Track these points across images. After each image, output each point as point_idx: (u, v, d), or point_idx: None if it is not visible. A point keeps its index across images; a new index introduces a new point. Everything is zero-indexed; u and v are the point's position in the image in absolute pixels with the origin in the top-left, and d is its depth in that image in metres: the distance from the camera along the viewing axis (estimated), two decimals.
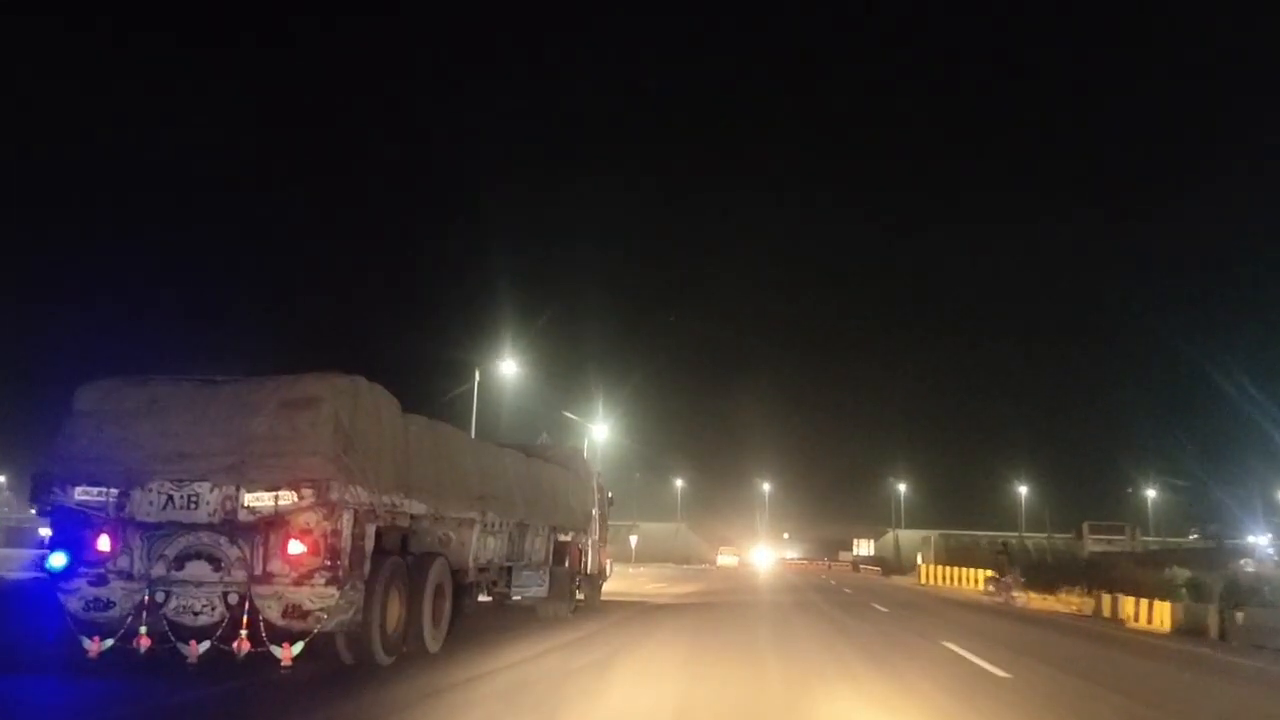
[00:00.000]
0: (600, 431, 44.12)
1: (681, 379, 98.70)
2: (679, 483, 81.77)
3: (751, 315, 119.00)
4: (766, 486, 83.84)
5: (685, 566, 57.93)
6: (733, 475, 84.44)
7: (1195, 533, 50.41)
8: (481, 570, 11.88)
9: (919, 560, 53.95)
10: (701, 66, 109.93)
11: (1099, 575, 28.01)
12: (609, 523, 20.18)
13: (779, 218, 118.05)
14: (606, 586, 20.02)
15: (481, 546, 11.68)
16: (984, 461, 78.95)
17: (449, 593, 10.59)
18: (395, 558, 9.52)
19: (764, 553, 72.65)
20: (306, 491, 8.15)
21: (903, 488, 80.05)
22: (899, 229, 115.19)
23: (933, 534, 52.99)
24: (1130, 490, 62.28)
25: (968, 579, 40.11)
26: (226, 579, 8.14)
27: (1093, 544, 40.49)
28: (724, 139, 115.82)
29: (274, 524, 8.16)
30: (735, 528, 79.57)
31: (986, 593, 30.30)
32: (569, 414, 40.79)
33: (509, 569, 13.35)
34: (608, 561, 20.12)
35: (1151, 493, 61.54)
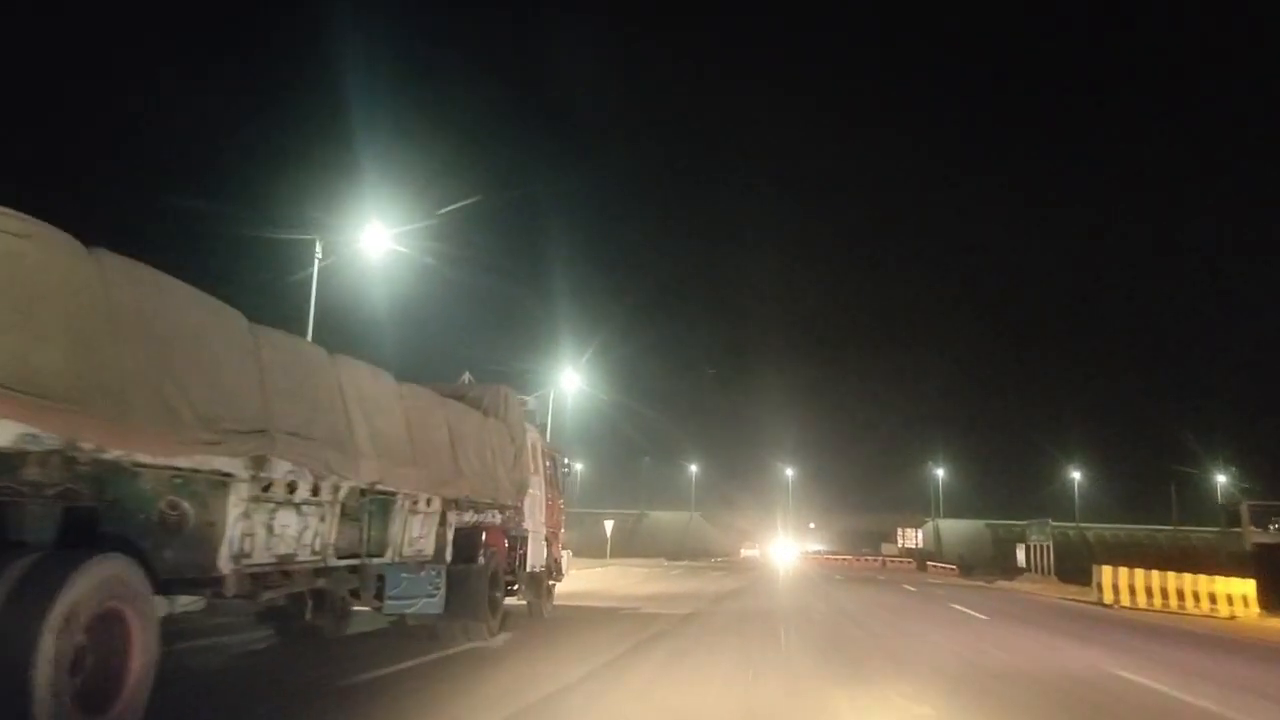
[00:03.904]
0: (571, 381, 36.39)
1: (699, 357, 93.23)
2: (693, 469, 75.67)
3: (774, 291, 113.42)
4: (789, 473, 77.58)
5: (687, 564, 47.75)
6: (752, 461, 78.71)
7: None
8: (256, 578, 6.00)
9: (1020, 559, 43.24)
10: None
11: None
12: (563, 506, 14.27)
13: (804, 183, 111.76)
14: (564, 587, 14.65)
15: (258, 530, 5.83)
16: (1033, 444, 72.18)
17: (137, 633, 4.82)
18: None
19: (786, 546, 66.68)
20: None
21: (941, 474, 73.20)
22: (938, 198, 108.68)
23: (1046, 523, 42.94)
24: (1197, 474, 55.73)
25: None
26: None
27: (1253, 534, 32.46)
28: (756, 100, 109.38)
29: None
30: (754, 519, 73.67)
31: None
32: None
33: (365, 569, 7.57)
34: (563, 555, 14.45)
35: (1222, 478, 54.90)
